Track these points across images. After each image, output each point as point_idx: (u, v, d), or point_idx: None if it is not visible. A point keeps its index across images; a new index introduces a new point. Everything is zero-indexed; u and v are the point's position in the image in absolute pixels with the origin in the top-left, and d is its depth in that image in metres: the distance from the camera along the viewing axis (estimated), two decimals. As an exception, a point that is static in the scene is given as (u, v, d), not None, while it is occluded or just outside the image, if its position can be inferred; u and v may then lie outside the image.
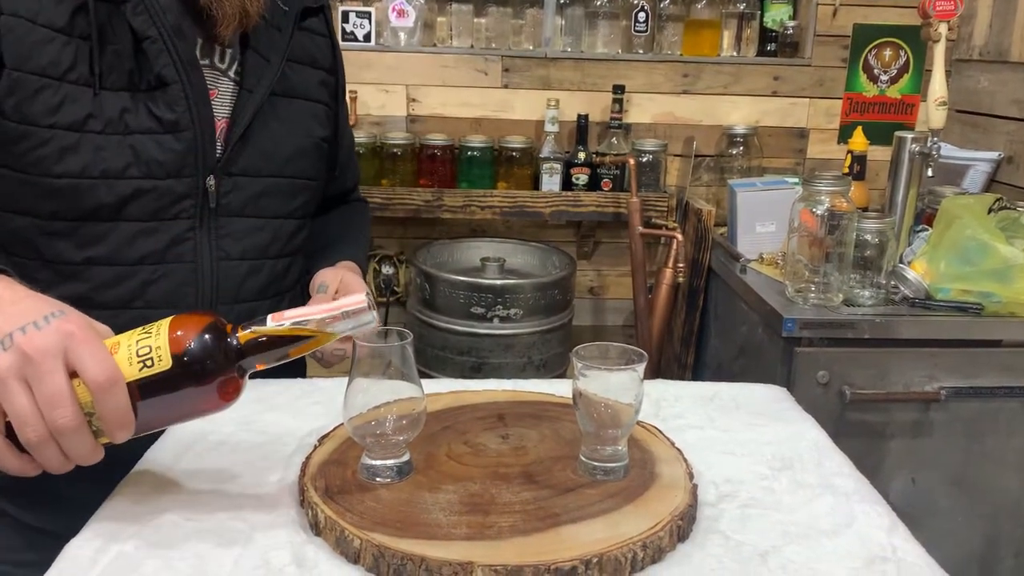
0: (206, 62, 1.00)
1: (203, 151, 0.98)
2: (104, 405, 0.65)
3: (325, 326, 0.70)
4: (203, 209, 0.99)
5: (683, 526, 0.73)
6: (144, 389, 0.67)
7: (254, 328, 0.70)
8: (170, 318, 0.70)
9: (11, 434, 0.66)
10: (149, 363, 0.67)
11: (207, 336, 0.68)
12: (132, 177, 0.94)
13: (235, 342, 0.69)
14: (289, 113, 1.08)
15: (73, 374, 0.65)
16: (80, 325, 0.67)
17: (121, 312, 0.95)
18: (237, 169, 1.02)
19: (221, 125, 1.01)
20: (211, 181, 0.99)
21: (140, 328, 0.70)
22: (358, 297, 0.70)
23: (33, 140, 0.90)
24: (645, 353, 0.80)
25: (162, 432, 0.91)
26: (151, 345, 0.67)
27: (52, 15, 0.89)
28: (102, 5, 0.91)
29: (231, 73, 1.03)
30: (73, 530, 0.73)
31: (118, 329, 0.75)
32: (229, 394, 0.70)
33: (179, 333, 0.68)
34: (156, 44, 0.93)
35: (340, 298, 0.71)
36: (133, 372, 0.67)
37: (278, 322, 0.69)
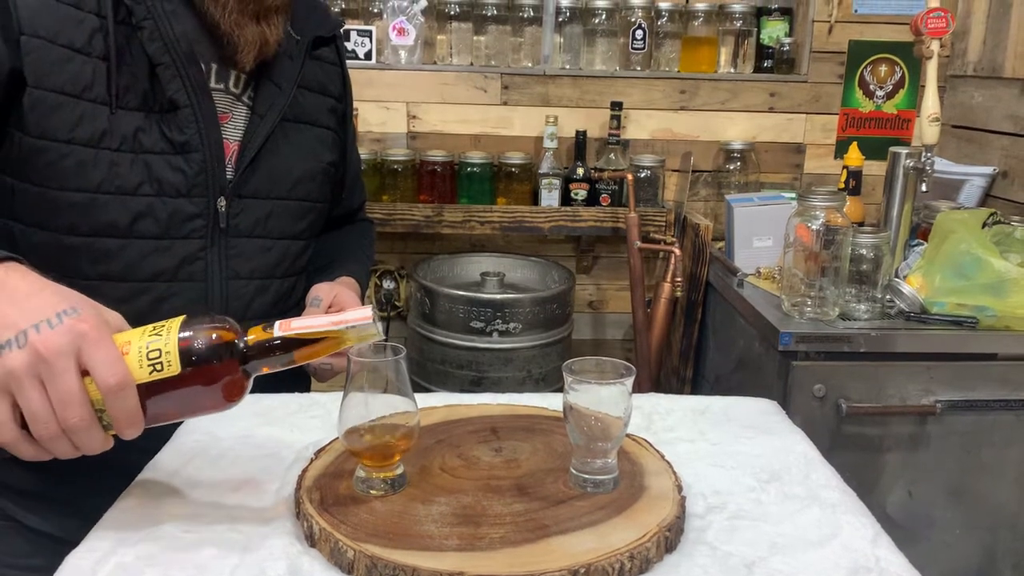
0: (221, 87, 1.03)
1: (213, 173, 1.01)
2: (114, 406, 0.68)
3: (330, 337, 0.72)
4: (214, 229, 1.02)
5: (671, 537, 0.75)
6: (153, 389, 0.69)
7: (261, 335, 0.72)
8: (180, 320, 0.72)
9: (26, 423, 0.68)
10: (159, 367, 0.69)
11: (215, 344, 0.70)
12: (145, 195, 0.97)
13: (242, 346, 0.72)
14: (298, 138, 1.11)
15: (86, 372, 0.67)
16: (92, 324, 0.68)
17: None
18: (247, 191, 1.05)
19: (233, 148, 1.04)
20: (222, 202, 1.02)
21: (152, 327, 0.71)
22: (364, 312, 0.72)
23: (52, 155, 0.93)
24: (634, 367, 0.81)
25: (172, 430, 0.94)
26: (160, 349, 0.69)
27: (72, 35, 0.92)
28: (120, 28, 0.94)
29: (245, 98, 1.05)
30: (81, 537, 0.76)
31: None
32: (234, 395, 0.72)
33: (188, 338, 0.70)
34: (169, 70, 0.96)
35: (345, 312, 0.73)
36: (143, 375, 0.69)
37: (284, 332, 0.71)
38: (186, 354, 0.69)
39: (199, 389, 0.70)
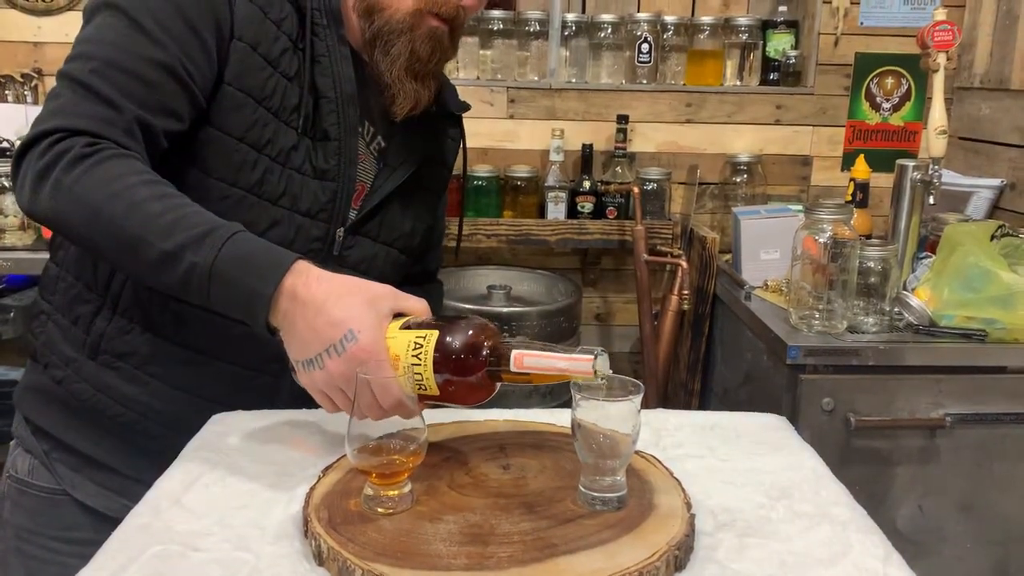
0: (359, 130, 1.11)
1: (340, 205, 1.10)
2: (395, 414, 0.82)
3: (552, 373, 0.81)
4: (327, 255, 1.10)
5: (680, 556, 0.74)
6: (421, 396, 0.84)
7: (500, 368, 0.82)
8: (435, 340, 0.82)
9: None
10: (422, 388, 0.84)
11: (460, 374, 0.82)
12: (282, 207, 1.06)
13: (481, 373, 0.82)
14: (413, 197, 1.20)
15: None
16: (369, 351, 0.83)
17: (240, 325, 1.02)
18: (362, 230, 1.15)
19: (358, 189, 1.13)
20: (340, 232, 1.11)
21: (413, 341, 0.83)
22: (584, 365, 0.78)
23: (223, 147, 1.01)
24: (642, 384, 0.81)
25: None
26: (422, 374, 0.83)
27: (268, 48, 1.03)
28: (303, 55, 1.04)
29: (372, 147, 1.15)
30: (123, 516, 0.81)
31: (233, 340, 1.01)
32: (483, 397, 0.85)
33: (440, 364, 0.82)
34: (330, 104, 1.07)
35: (573, 356, 0.79)
36: (412, 389, 0.83)
37: (517, 368, 0.81)
38: (440, 379, 0.83)
39: (454, 397, 0.85)
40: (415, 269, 1.31)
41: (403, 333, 0.85)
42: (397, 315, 0.88)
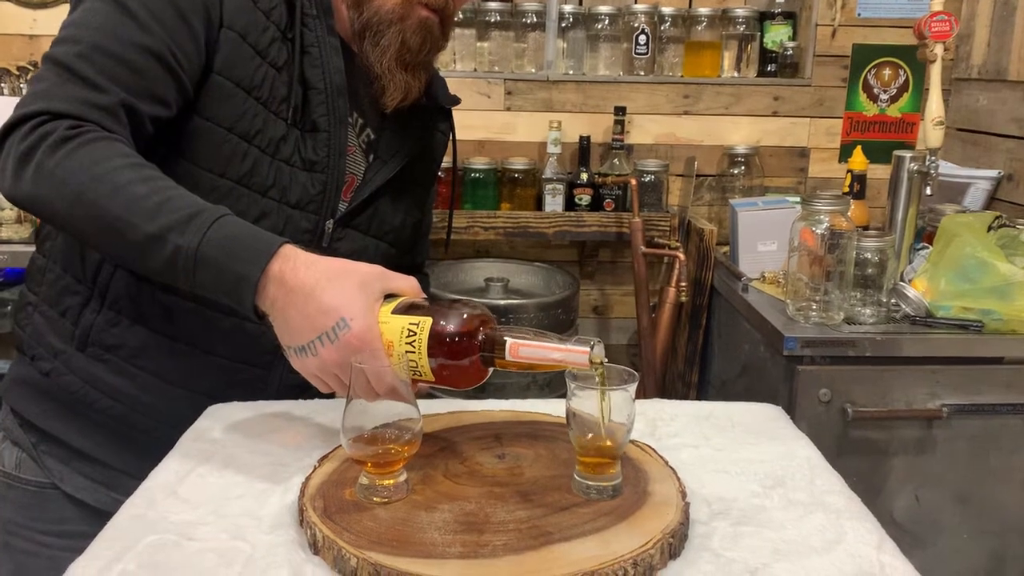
0: (348, 121, 1.11)
1: (330, 197, 1.10)
2: (390, 399, 0.81)
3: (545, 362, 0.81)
4: (317, 247, 1.08)
5: (674, 544, 0.74)
6: (416, 380, 0.85)
7: (493, 354, 0.82)
8: (428, 327, 0.82)
9: None
10: (417, 374, 0.84)
11: (455, 361, 0.82)
12: (271, 198, 1.06)
13: (476, 358, 0.83)
14: (403, 190, 1.20)
15: None
16: (362, 338, 0.82)
17: (229, 318, 1.05)
18: (353, 223, 1.14)
19: (348, 180, 1.13)
20: (330, 225, 1.11)
21: (407, 327, 0.83)
22: (580, 357, 0.78)
23: (213, 137, 1.01)
24: (636, 373, 0.81)
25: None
26: (416, 361, 0.83)
27: (257, 38, 1.02)
28: (293, 45, 1.04)
29: (361, 139, 1.14)
30: (114, 509, 0.81)
31: (222, 332, 1.03)
32: (479, 380, 0.85)
33: (435, 358, 0.82)
34: (320, 95, 1.06)
35: (568, 347, 0.79)
36: (407, 375, 0.83)
37: (512, 356, 0.81)
38: (434, 364, 0.83)
39: (448, 380, 0.84)
40: (402, 261, 1.31)
41: (395, 318, 0.84)
42: (388, 296, 0.87)
